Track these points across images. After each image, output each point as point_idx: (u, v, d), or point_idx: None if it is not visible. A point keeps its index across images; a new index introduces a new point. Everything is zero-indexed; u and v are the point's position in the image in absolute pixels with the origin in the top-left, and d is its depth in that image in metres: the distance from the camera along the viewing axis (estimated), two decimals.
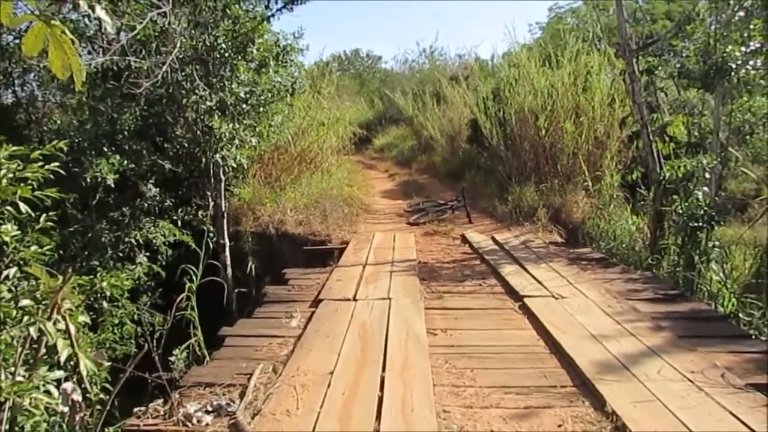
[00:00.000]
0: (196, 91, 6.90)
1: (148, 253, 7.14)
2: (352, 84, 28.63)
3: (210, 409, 3.03)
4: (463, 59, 23.51)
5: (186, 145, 7.78)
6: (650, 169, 7.30)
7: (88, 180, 6.40)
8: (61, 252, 6.10)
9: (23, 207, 2.64)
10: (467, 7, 62.88)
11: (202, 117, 7.04)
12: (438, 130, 16.69)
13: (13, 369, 2.33)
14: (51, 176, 2.74)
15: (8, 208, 2.70)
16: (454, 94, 16.49)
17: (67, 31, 2.09)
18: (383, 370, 3.53)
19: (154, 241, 7.16)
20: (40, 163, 2.73)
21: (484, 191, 11.31)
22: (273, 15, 7.53)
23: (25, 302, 2.49)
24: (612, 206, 8.18)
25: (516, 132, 11.01)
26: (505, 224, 9.12)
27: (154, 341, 3.07)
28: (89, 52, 7.37)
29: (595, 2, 15.04)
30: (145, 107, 7.69)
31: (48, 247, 3.08)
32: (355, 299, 5.15)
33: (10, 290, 2.60)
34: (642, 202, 7.99)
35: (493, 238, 7.95)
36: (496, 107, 11.54)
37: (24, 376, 2.36)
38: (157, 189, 7.58)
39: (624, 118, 8.48)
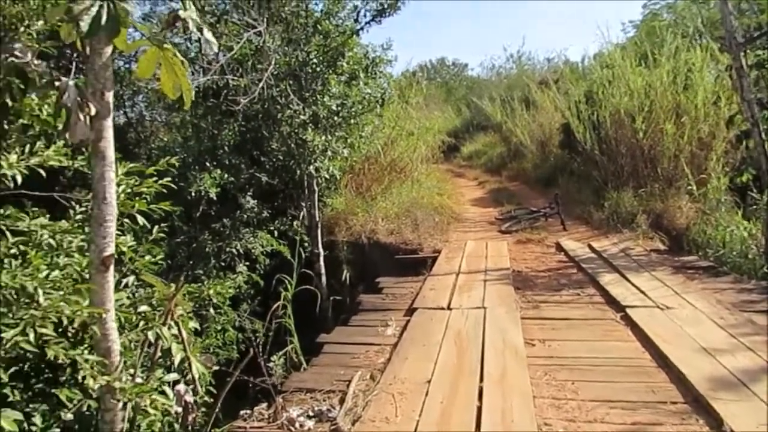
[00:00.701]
0: (290, 105, 7.14)
1: (247, 263, 7.43)
2: (439, 92, 28.63)
3: (312, 414, 3.10)
4: (552, 63, 23.07)
5: (281, 158, 8.06)
6: (763, 170, 6.79)
7: (193, 193, 6.77)
8: (168, 261, 6.46)
9: (141, 219, 2.82)
10: (554, 9, 61.40)
11: (296, 130, 7.27)
12: (528, 136, 16.37)
13: (132, 371, 2.49)
14: (164, 190, 2.92)
15: (126, 220, 2.89)
16: (544, 98, 16.11)
17: (178, 54, 2.23)
18: (481, 380, 3.48)
19: (252, 250, 7.45)
20: (154, 178, 2.91)
21: (578, 197, 10.94)
22: (362, 28, 7.69)
23: (143, 308, 2.66)
24: (720, 211, 7.68)
25: (611, 135, 10.58)
26: (602, 231, 8.78)
27: (259, 347, 3.19)
28: (192, 73, 7.81)
29: None
30: (243, 123, 8.04)
31: (159, 257, 3.27)
32: (449, 308, 5.13)
33: (128, 297, 2.79)
34: (754, 206, 7.45)
35: (589, 246, 7.68)
36: (589, 110, 11.14)
37: (142, 378, 2.52)
38: (255, 201, 7.89)
39: (731, 117, 7.94)
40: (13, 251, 2.51)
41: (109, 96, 2.14)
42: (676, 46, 10.38)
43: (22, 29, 2.65)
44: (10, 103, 2.30)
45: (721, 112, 9.36)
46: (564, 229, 9.21)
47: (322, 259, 7.95)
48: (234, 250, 7.25)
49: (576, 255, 7.24)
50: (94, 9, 1.83)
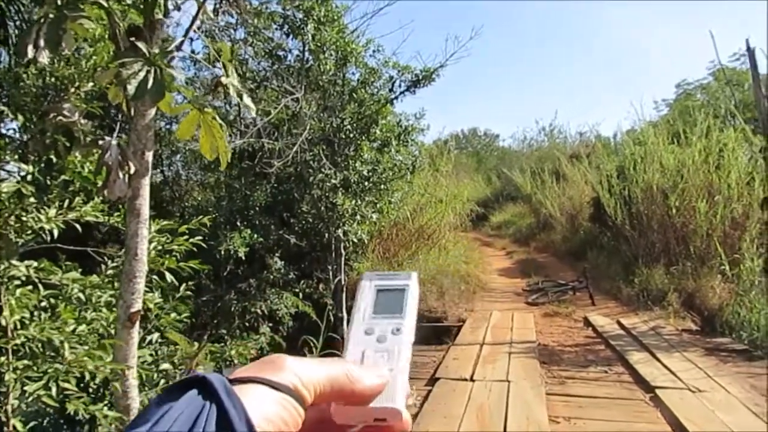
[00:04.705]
0: (323, 169, 7.28)
1: (270, 324, 7.40)
2: (470, 162, 28.96)
3: None
4: (584, 137, 23.20)
5: (310, 220, 8.15)
6: None
7: (222, 252, 6.84)
8: (193, 320, 6.47)
9: (169, 277, 2.84)
10: (587, 85, 62.38)
11: (327, 194, 7.38)
12: (557, 208, 16.33)
13: None
14: (194, 249, 2.96)
15: (155, 277, 2.92)
16: (575, 171, 16.15)
17: (218, 118, 2.31)
18: None
19: (277, 311, 7.42)
20: (186, 237, 2.95)
21: (607, 272, 10.76)
22: (396, 98, 7.88)
23: (165, 366, 2.65)
24: (755, 293, 7.44)
25: (642, 211, 10.49)
26: (632, 308, 8.56)
27: None
28: (230, 135, 8.04)
29: (727, 78, 14.39)
30: (275, 185, 8.19)
31: (185, 314, 3.28)
32: (472, 380, 5.01)
33: (151, 354, 2.78)
34: None
35: (618, 323, 7.49)
36: (621, 185, 11.12)
37: None
38: (282, 262, 7.92)
39: (766, 198, 7.83)
40: (43, 304, 2.55)
41: (149, 156, 2.21)
42: (708, 125, 10.38)
43: (72, 90, 2.79)
44: (54, 160, 2.38)
45: (755, 193, 9.22)
46: (592, 303, 9.02)
47: (345, 323, 7.88)
48: (259, 311, 7.24)
49: (604, 331, 7.06)
50: (142, 74, 1.92)
